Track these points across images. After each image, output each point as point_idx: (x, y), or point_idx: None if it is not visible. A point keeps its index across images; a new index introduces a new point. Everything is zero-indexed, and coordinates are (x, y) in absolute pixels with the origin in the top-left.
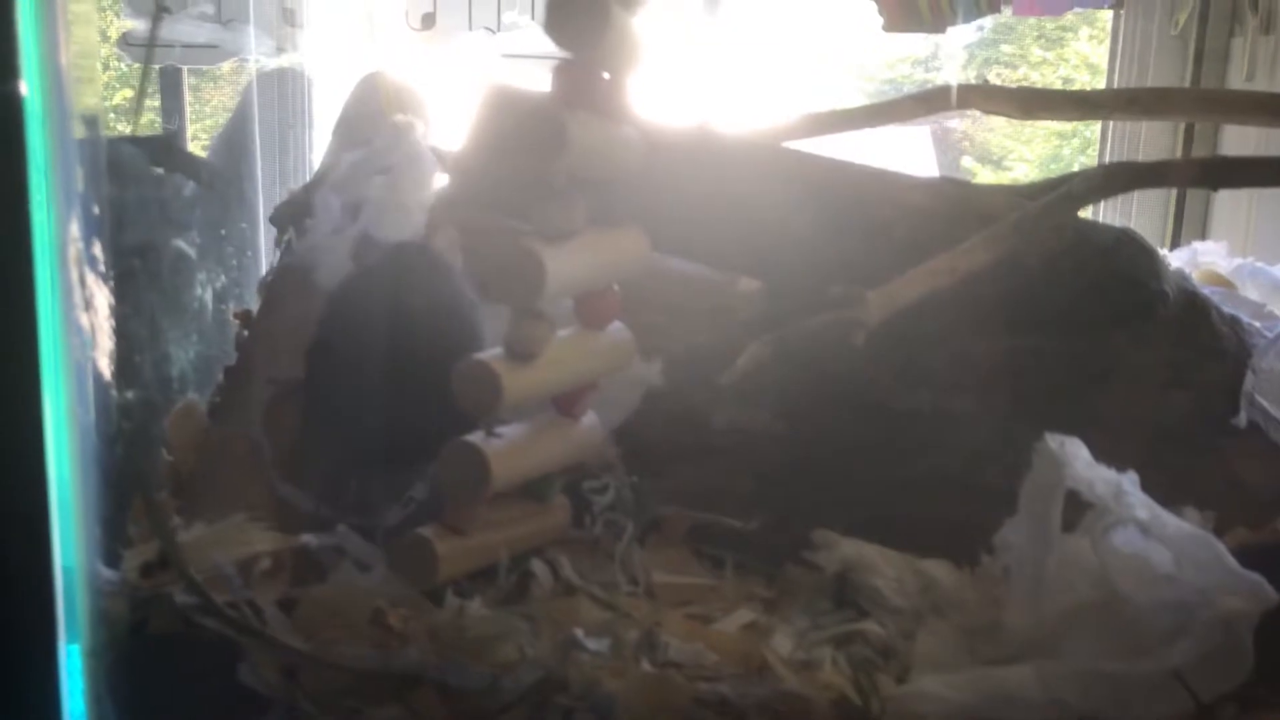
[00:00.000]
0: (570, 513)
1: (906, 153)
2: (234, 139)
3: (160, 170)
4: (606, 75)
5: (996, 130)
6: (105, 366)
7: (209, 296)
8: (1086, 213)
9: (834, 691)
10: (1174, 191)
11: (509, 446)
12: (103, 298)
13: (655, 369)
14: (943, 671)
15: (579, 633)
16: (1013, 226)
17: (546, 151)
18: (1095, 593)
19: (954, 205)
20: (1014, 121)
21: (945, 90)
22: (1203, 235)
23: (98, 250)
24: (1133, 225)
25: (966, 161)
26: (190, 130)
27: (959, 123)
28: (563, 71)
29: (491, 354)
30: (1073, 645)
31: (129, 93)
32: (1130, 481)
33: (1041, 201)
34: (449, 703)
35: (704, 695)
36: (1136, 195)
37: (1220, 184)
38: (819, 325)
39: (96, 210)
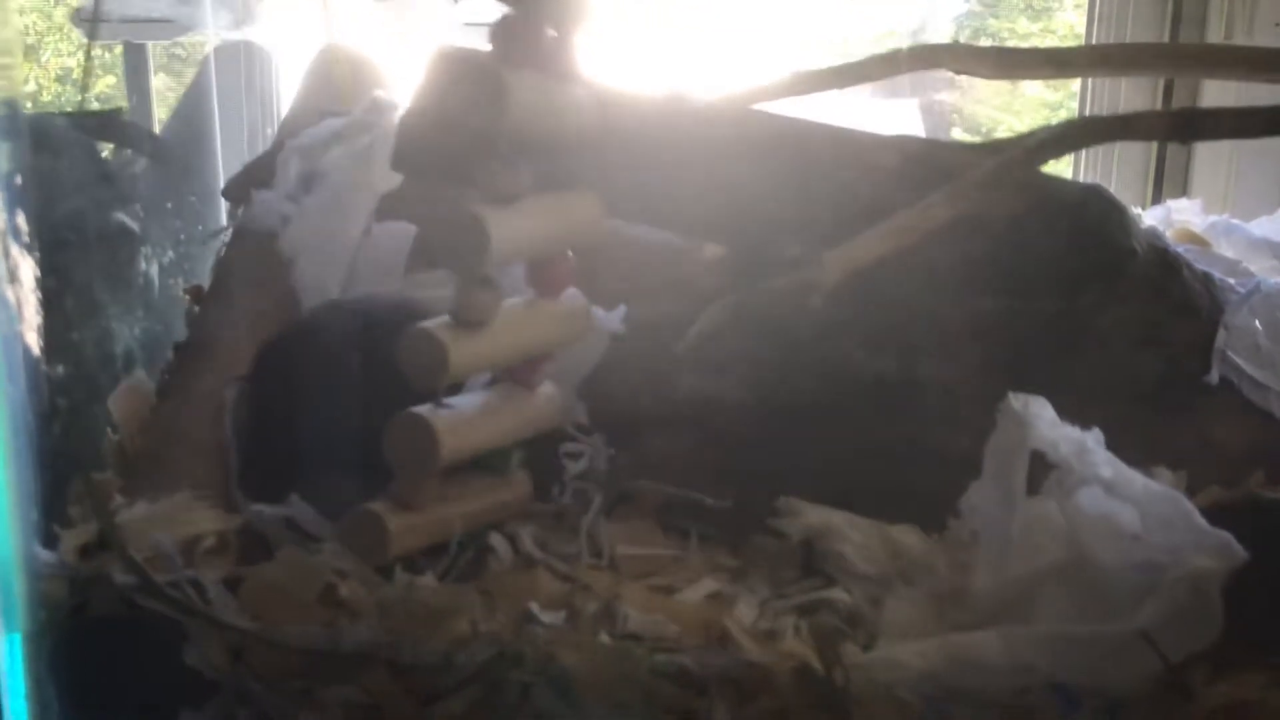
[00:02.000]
0: (531, 486)
1: (895, 126)
2: (189, 114)
3: (105, 144)
4: (552, 33)
5: (985, 102)
6: (34, 341)
7: (155, 272)
8: (1066, 174)
9: (796, 660)
10: (1154, 150)
11: (459, 418)
12: (28, 270)
13: (617, 317)
14: (911, 638)
15: (534, 606)
16: (974, 183)
17: (487, 111)
18: (1062, 554)
19: (919, 164)
20: (1003, 93)
21: (916, 50)
22: (1184, 194)
23: (21, 222)
24: (1114, 184)
25: (956, 133)
26: (162, 109)
27: (948, 95)
28: (502, 27)
29: (437, 322)
30: (1041, 608)
31: (113, 79)
32: (1094, 440)
33: (1003, 156)
34: (401, 680)
35: (663, 666)
36: (1117, 155)
37: (1189, 136)
38: (775, 288)
39: (19, 181)
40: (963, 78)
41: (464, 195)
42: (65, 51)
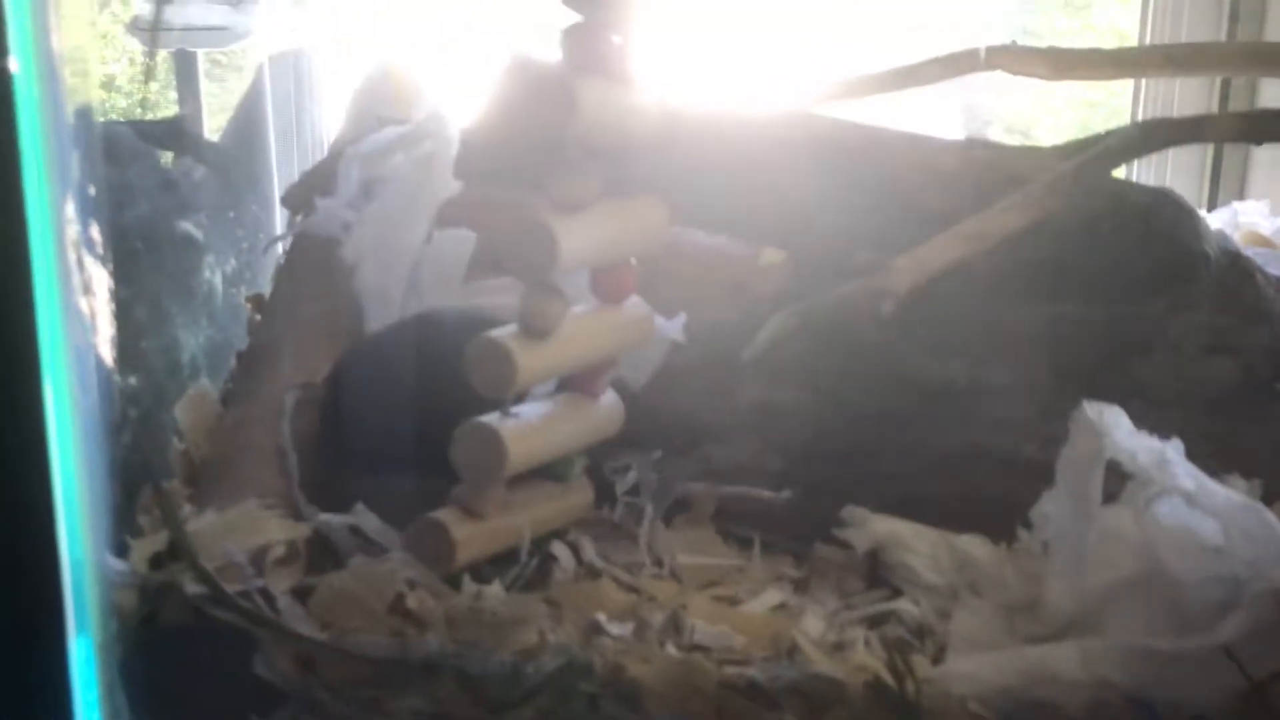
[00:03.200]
0: (592, 493)
1: (933, 126)
2: (245, 122)
3: (167, 153)
4: (618, 40)
5: (1023, 100)
6: (107, 352)
7: (219, 280)
8: (1121, 176)
9: (867, 673)
10: (1210, 152)
11: (525, 426)
12: (102, 281)
13: (678, 325)
14: (981, 651)
15: (601, 617)
16: (1046, 188)
17: (557, 119)
18: (1139, 567)
19: (985, 169)
20: (1041, 91)
21: (974, 53)
22: (1240, 196)
23: (95, 233)
24: (1169, 186)
25: (994, 133)
26: (214, 119)
27: (985, 95)
28: (572, 35)
29: (505, 330)
30: (1116, 622)
31: (155, 86)
32: (1174, 450)
33: (1075, 161)
34: (470, 691)
35: (732, 679)
36: (1171, 157)
37: (1262, 137)
38: (845, 295)
39: (93, 192)
40: (1001, 76)
41: (531, 202)
42: (109, 59)
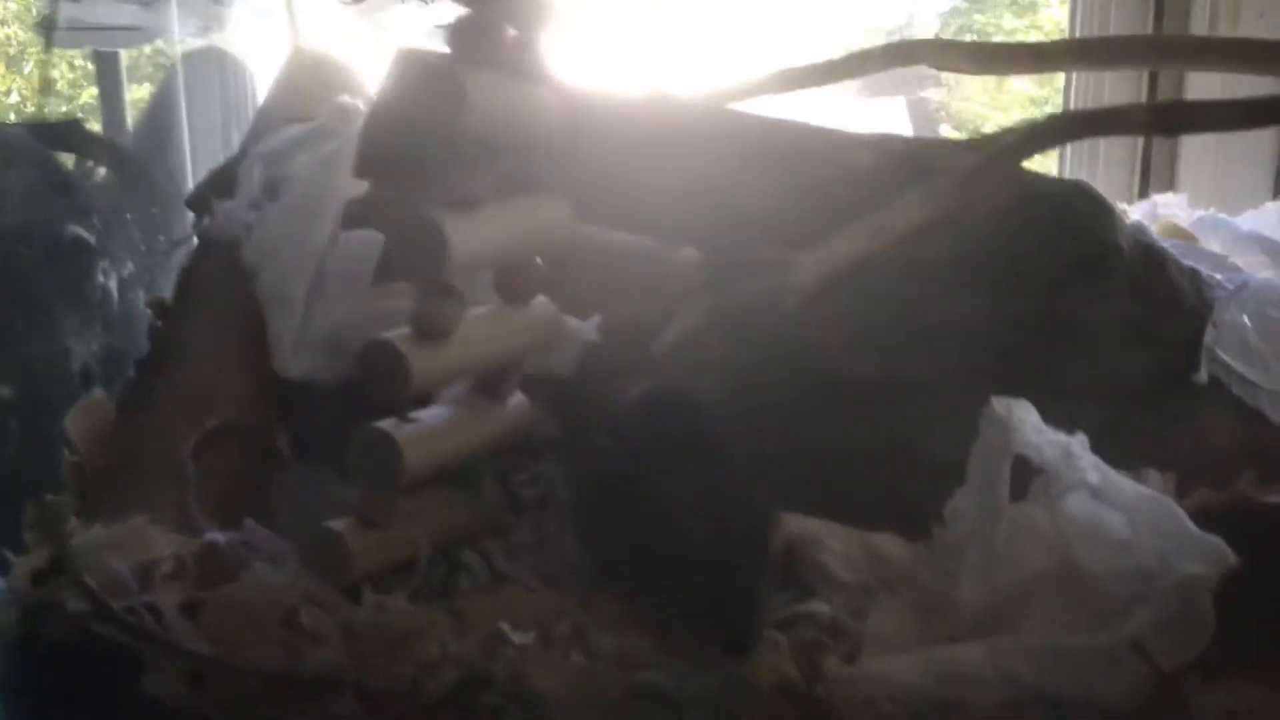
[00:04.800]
0: (504, 500)
1: (882, 124)
2: (154, 123)
3: (63, 155)
4: (514, 32)
5: (972, 99)
6: None
7: (114, 285)
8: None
9: (777, 676)
10: (1140, 145)
11: (425, 432)
12: None
13: (592, 325)
14: (895, 651)
15: (505, 626)
16: (952, 182)
17: (446, 113)
18: (1051, 562)
19: (899, 162)
20: (990, 90)
21: (895, 46)
22: (1171, 188)
23: None
24: (1100, 179)
25: (944, 130)
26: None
27: (935, 92)
28: (460, 27)
29: (398, 333)
30: (1030, 618)
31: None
32: (1079, 444)
33: (983, 154)
34: (369, 705)
35: (639, 686)
36: (1103, 149)
37: (1172, 129)
38: (749, 290)
39: None
40: (949, 75)
41: (422, 201)
42: (49, 63)
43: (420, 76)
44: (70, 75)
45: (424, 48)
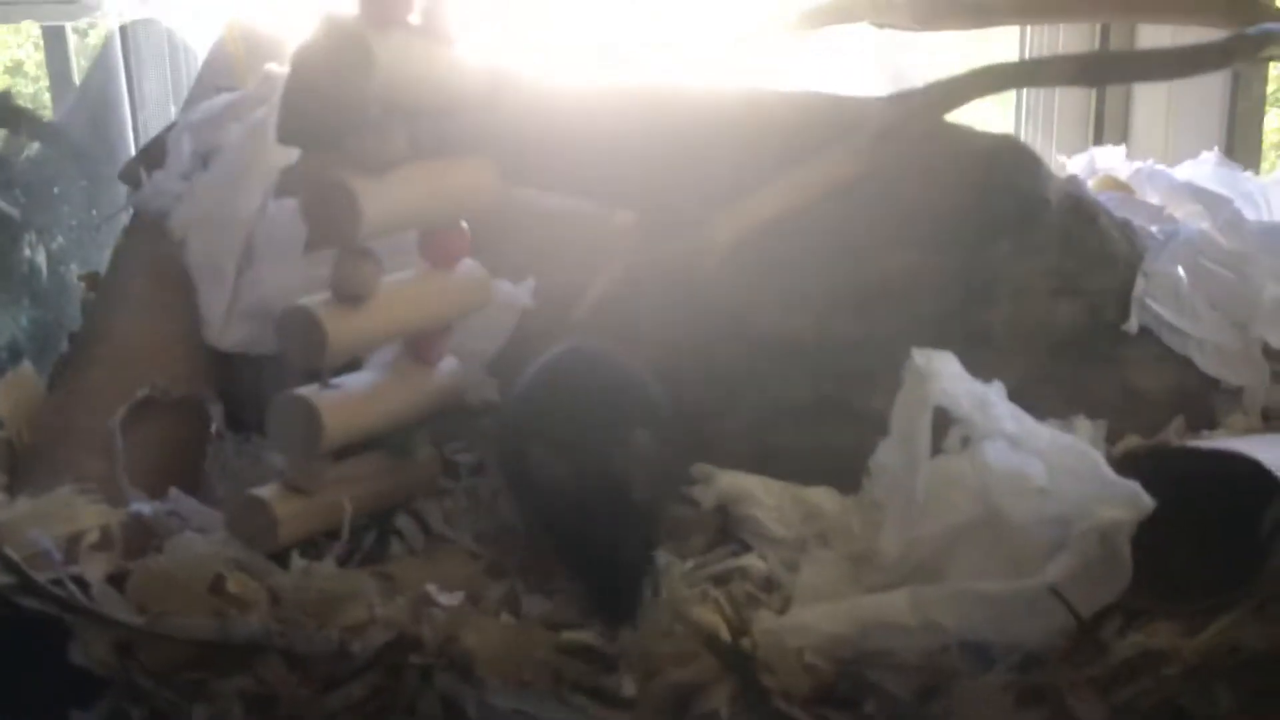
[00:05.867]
0: (438, 465)
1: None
2: (88, 96)
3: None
4: None
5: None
6: None
7: (42, 259)
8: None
9: (705, 630)
10: (1093, 98)
11: (347, 397)
12: None
13: (527, 290)
14: (825, 601)
15: (432, 588)
16: (872, 135)
17: (355, 75)
18: (973, 511)
19: (826, 117)
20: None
21: (840, 2)
22: (1125, 141)
23: None
24: (1054, 134)
25: None
26: None
27: (912, 56)
28: None
29: (317, 298)
30: (954, 567)
31: None
32: (997, 393)
33: (904, 108)
34: (297, 670)
35: (566, 644)
36: (1058, 103)
37: (1097, 80)
38: (667, 251)
39: None
40: (926, 38)
41: (336, 165)
42: (15, 44)
43: (332, 40)
44: (36, 56)
45: (335, 12)
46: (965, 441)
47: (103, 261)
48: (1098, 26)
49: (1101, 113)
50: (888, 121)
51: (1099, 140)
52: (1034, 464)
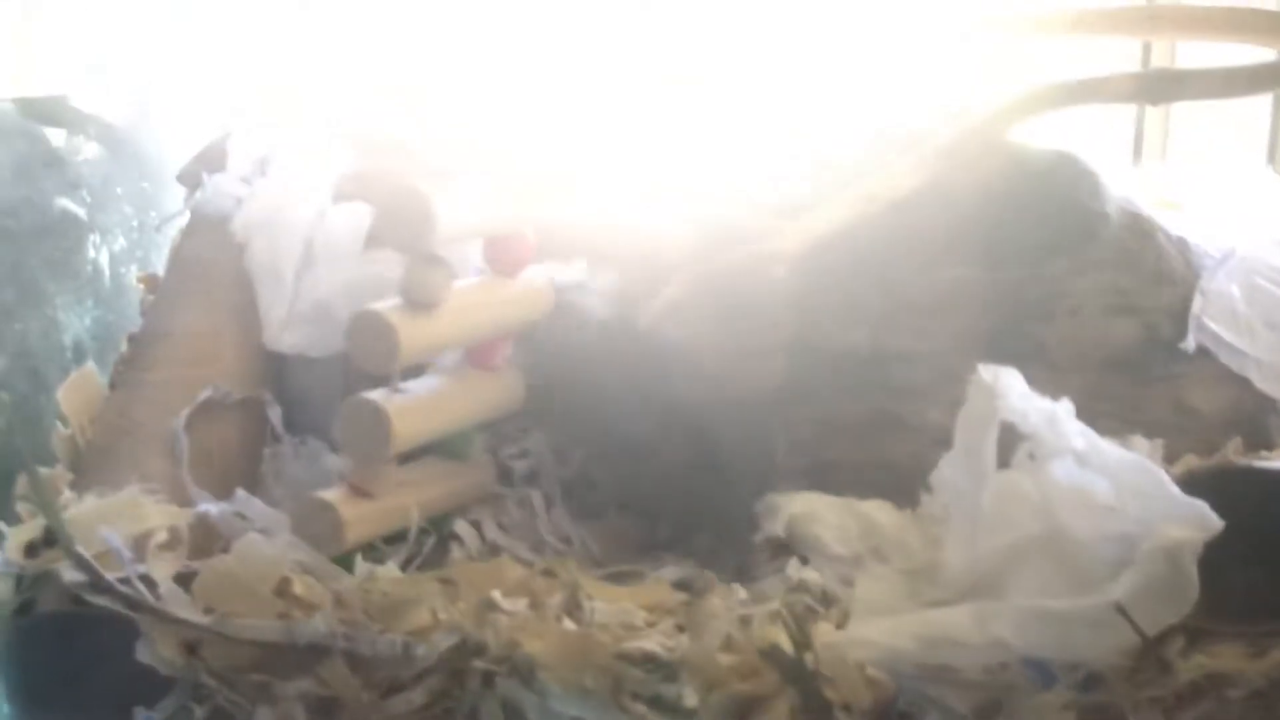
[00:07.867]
0: (493, 471)
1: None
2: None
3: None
4: None
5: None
6: None
7: (105, 260)
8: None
9: (765, 642)
10: (1134, 114)
11: (415, 402)
12: None
13: (577, 269)
14: (883, 616)
15: (496, 594)
16: (936, 150)
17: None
18: (1038, 528)
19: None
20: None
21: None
22: (1163, 158)
23: None
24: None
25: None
26: None
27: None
28: None
29: (388, 303)
30: (1016, 583)
31: None
32: (1065, 410)
33: (968, 124)
34: (361, 672)
35: (629, 652)
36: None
37: (1158, 98)
38: (736, 259)
39: None
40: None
41: (408, 172)
42: None
43: None
44: None
45: None
46: (1032, 457)
47: (160, 263)
48: (1140, 44)
49: (1141, 129)
50: (951, 136)
51: (1138, 157)
52: (1100, 482)
